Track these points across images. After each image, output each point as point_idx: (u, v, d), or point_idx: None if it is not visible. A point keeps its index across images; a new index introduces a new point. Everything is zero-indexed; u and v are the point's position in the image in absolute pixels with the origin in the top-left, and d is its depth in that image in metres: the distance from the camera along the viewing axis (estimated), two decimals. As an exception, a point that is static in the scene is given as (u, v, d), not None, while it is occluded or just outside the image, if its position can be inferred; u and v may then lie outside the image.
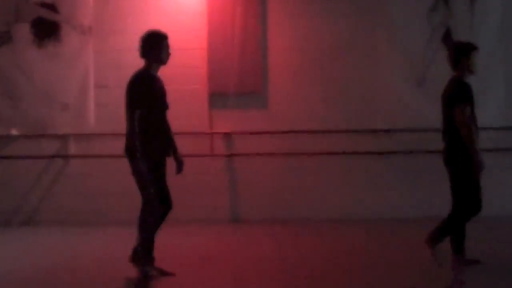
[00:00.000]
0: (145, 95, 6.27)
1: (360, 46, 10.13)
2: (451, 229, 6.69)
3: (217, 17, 9.93)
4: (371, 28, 10.13)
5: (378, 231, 9.12)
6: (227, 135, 10.01)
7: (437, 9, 10.22)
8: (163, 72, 9.41)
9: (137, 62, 9.60)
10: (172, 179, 9.75)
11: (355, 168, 10.08)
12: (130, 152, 6.24)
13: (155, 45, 6.43)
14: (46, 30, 9.98)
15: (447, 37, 10.21)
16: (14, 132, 10.00)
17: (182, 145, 9.63)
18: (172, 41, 9.87)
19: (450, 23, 10.25)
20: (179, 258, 7.23)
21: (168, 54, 6.51)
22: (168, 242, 7.25)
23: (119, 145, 9.78)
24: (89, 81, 9.97)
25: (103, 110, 9.91)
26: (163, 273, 6.32)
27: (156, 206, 6.24)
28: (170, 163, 6.59)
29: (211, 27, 9.97)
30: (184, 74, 9.88)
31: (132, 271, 6.30)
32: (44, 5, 9.95)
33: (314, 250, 7.73)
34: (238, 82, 9.95)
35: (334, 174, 10.04)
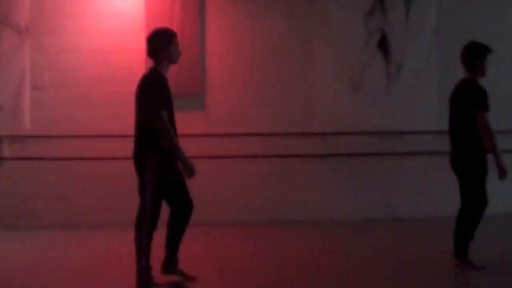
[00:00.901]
0: (164, 95, 6.07)
1: (297, 50, 10.23)
2: (471, 230, 6.65)
3: (155, 19, 9.86)
4: (308, 32, 10.24)
5: (313, 233, 9.23)
6: (164, 138, 9.96)
7: (373, 14, 10.38)
8: (101, 74, 9.36)
9: (74, 63, 9.55)
10: (96, 184, 9.76)
11: (291, 170, 10.17)
12: (143, 155, 6.03)
13: (166, 43, 6.18)
14: (-19, 30, 9.77)
15: (382, 42, 10.39)
16: None
17: (119, 147, 9.70)
18: (110, 44, 9.93)
19: (385, 28, 10.41)
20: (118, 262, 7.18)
21: (179, 53, 6.31)
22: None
23: (54, 147, 9.75)
24: (25, 82, 9.79)
25: (38, 111, 9.77)
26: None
27: (147, 218, 6.00)
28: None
29: (148, 29, 9.88)
30: (123, 76, 9.80)
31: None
32: (-21, 5, 9.74)
33: (240, 252, 7.87)
34: (177, 84, 9.84)
35: (270, 177, 10.10)
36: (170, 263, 6.23)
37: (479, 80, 6.81)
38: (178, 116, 9.76)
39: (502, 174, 6.54)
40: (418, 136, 10.52)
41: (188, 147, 9.81)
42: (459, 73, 10.52)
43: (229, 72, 10.17)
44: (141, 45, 9.84)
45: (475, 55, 6.83)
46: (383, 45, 10.37)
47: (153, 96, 6.00)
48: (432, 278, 6.43)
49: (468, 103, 6.67)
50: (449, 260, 6.83)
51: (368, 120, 10.22)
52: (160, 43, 6.16)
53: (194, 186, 9.71)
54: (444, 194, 10.49)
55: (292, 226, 9.66)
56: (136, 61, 9.86)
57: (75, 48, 9.86)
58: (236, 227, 9.50)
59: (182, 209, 6.19)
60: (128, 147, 9.56)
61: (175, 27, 9.79)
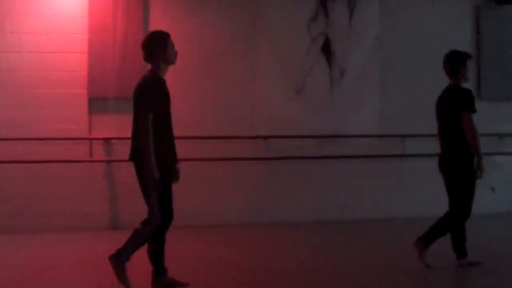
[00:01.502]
0: (159, 98, 5.98)
1: (241, 53, 10.24)
2: (444, 231, 6.90)
3: (98, 20, 9.76)
4: (252, 35, 10.27)
5: (253, 235, 9.26)
6: (107, 141, 9.86)
7: (317, 19, 10.47)
8: (43, 76, 9.22)
9: (15, 64, 9.38)
10: (48, 186, 9.60)
11: (234, 173, 10.17)
12: (139, 156, 5.89)
13: (161, 45, 6.09)
14: None
15: (326, 46, 10.48)
16: None
17: (61, 150, 9.57)
18: (51, 44, 9.77)
19: (329, 33, 10.51)
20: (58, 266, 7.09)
21: (175, 53, 6.22)
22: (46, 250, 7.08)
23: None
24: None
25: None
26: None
27: (157, 215, 5.92)
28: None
29: (91, 30, 9.78)
30: (64, 78, 9.67)
31: None
32: None
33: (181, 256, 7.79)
34: (119, 86, 9.79)
35: (213, 180, 10.08)
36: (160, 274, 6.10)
37: (462, 85, 7.11)
38: (121, 119, 9.83)
39: (480, 173, 6.87)
40: (361, 139, 10.66)
41: (128, 150, 9.84)
42: (400, 77, 10.88)
43: (174, 74, 10.02)
44: (84, 46, 9.78)
45: (457, 62, 7.16)
46: (326, 49, 10.47)
47: (143, 97, 5.92)
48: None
49: (455, 106, 6.94)
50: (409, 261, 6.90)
51: (311, 124, 10.30)
52: (156, 46, 6.08)
53: (135, 189, 9.73)
54: (385, 196, 10.71)
55: (234, 229, 9.65)
56: (77, 63, 9.74)
57: (15, 48, 9.66)
58: (178, 231, 9.42)
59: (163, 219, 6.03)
60: (64, 150, 9.57)
61: (118, 29, 9.78)
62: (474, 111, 6.89)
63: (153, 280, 6.07)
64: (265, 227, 9.79)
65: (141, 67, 9.83)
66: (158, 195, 5.94)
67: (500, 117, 11.46)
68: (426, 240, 6.89)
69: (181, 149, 9.74)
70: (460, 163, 6.92)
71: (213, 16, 10.19)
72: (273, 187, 10.31)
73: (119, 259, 5.86)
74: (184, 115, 9.94)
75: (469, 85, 11.09)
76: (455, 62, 7.17)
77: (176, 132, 9.73)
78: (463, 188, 6.91)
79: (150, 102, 5.89)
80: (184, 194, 9.81)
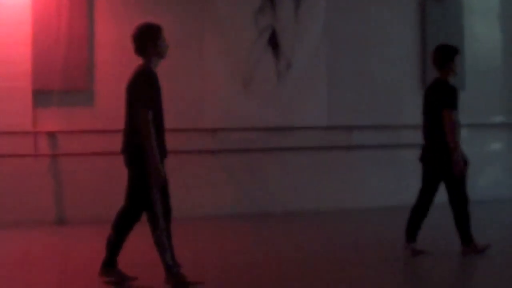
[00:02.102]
0: (156, 93, 5.93)
1: (188, 46, 10.16)
2: (467, 219, 7.11)
3: (42, 11, 9.58)
4: (199, 28, 10.21)
5: (205, 228, 9.24)
6: (51, 134, 9.70)
7: (263, 11, 10.47)
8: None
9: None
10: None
11: (182, 166, 10.10)
12: (135, 153, 5.86)
13: (154, 38, 6.01)
14: None
15: (272, 39, 10.49)
16: None
17: (4, 144, 9.39)
18: (-7, 36, 9.55)
19: (275, 25, 10.52)
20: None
21: (167, 47, 6.12)
22: None
23: None
24: None
25: None
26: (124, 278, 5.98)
27: (160, 210, 5.83)
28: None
29: (35, 21, 9.59)
30: (6, 70, 9.46)
31: None
32: None
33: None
34: (64, 78, 9.64)
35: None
36: (111, 264, 6.03)
37: (450, 79, 7.28)
38: (66, 112, 9.69)
39: (456, 170, 6.99)
40: (309, 131, 10.71)
41: (74, 144, 9.75)
42: (347, 70, 10.95)
43: (120, 67, 9.90)
44: (27, 38, 9.58)
45: (446, 56, 7.27)
46: (273, 42, 10.49)
47: (141, 92, 5.85)
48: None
49: (438, 102, 7.10)
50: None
51: (259, 116, 10.31)
52: (148, 39, 6.00)
53: (81, 184, 9.63)
54: (333, 188, 10.79)
55: (183, 222, 9.59)
56: (21, 55, 9.54)
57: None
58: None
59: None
60: (8, 144, 9.39)
61: (63, 20, 9.62)
62: (455, 108, 7.08)
63: (102, 268, 5.98)
64: (209, 220, 9.75)
65: (86, 59, 9.75)
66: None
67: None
68: (464, 239, 7.12)
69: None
70: (443, 158, 7.05)
71: (160, 9, 10.06)
72: (221, 180, 10.28)
73: (171, 272, 5.77)
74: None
75: (414, 77, 11.44)
76: (443, 56, 7.29)
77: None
78: (454, 179, 7.07)
79: (150, 97, 5.85)
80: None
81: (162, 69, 9.92)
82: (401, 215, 10.26)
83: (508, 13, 12.27)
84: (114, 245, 6.01)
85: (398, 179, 11.26)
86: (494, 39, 12.11)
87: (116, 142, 9.62)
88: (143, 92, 5.84)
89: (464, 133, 11.60)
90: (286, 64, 10.54)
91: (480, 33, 11.98)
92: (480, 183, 11.61)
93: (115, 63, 9.91)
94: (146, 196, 5.84)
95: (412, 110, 11.44)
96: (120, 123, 9.61)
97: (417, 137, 11.28)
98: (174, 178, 9.92)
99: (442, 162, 7.07)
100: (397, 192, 11.14)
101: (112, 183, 9.75)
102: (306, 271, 6.60)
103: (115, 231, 6.02)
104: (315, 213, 10.35)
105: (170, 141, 9.87)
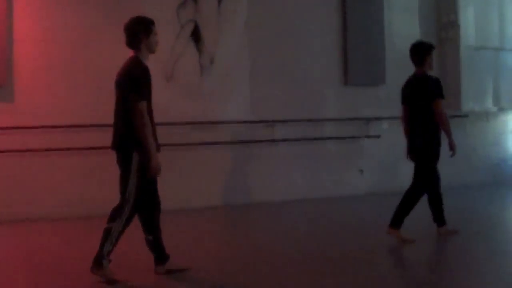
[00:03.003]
0: (146, 85, 5.84)
1: (109, 40, 10.00)
2: (411, 206, 7.43)
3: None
4: (120, 22, 10.01)
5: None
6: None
7: (186, 5, 10.44)
8: None
9: None
10: None
11: (106, 163, 9.95)
12: (127, 145, 5.84)
13: (146, 30, 5.96)
14: None
15: (195, 33, 10.48)
16: None
17: None
18: None
19: (198, 20, 10.51)
20: None
21: (157, 42, 6.05)
22: None
23: None
24: None
25: None
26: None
27: (132, 202, 5.84)
28: None
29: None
30: None
31: None
32: None
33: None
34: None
35: (86, 170, 9.84)
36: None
37: (428, 73, 7.63)
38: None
39: (453, 151, 7.47)
40: (232, 125, 10.75)
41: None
42: (270, 64, 11.03)
43: (41, 61, 9.76)
44: None
45: (423, 52, 7.62)
46: (196, 36, 10.47)
47: (134, 85, 5.79)
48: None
49: (427, 93, 7.44)
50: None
51: (182, 111, 10.28)
52: (141, 32, 5.96)
53: (7, 182, 9.41)
54: (257, 182, 10.87)
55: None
56: None
57: None
58: (48, 223, 9.21)
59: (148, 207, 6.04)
60: None
61: (-21, 14, 9.36)
62: (443, 97, 7.48)
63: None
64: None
65: (4, 54, 9.50)
66: (147, 183, 5.91)
67: (366, 102, 11.89)
68: (396, 224, 7.39)
69: (58, 139, 9.61)
70: (427, 148, 7.49)
71: (80, 5, 9.91)
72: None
73: (99, 263, 5.74)
74: (52, 104, 9.70)
75: (335, 71, 11.63)
76: (421, 52, 7.63)
77: (48, 121, 9.57)
78: (429, 164, 7.53)
79: (143, 89, 5.81)
80: (57, 185, 9.67)
81: (83, 66, 9.90)
82: (324, 206, 10.57)
83: (426, 9, 12.60)
84: (155, 244, 6.05)
85: (321, 171, 11.43)
86: (413, 34, 12.40)
87: (38, 139, 9.56)
88: (138, 84, 5.82)
89: (385, 126, 11.97)
90: (209, 58, 10.56)
91: (399, 28, 12.27)
92: (402, 173, 11.89)
93: (38, 58, 9.73)
94: (126, 184, 5.90)
95: (334, 104, 11.67)
96: (43, 119, 9.56)
97: (339, 130, 11.61)
98: (98, 174, 9.90)
99: (427, 153, 7.50)
100: (319, 184, 11.33)
101: (33, 181, 9.62)
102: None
103: (146, 232, 6.05)
104: (239, 206, 10.40)
105: (90, 138, 9.88)
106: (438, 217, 7.75)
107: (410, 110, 7.62)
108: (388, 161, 11.93)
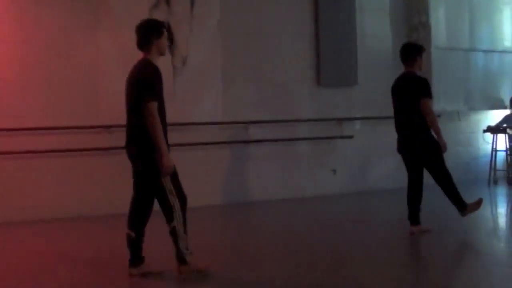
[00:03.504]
0: (158, 86, 5.86)
1: (82, 42, 9.98)
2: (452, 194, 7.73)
3: None
4: (93, 23, 10.03)
5: (96, 228, 9.12)
6: None
7: (159, 7, 10.40)
8: None
9: None
10: None
11: (77, 165, 9.92)
12: (141, 148, 5.83)
13: (158, 33, 6.00)
14: None
15: (168, 34, 10.41)
16: None
17: None
18: None
19: (171, 21, 10.47)
20: None
21: (166, 45, 6.15)
22: None
23: None
24: None
25: None
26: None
27: (176, 201, 5.92)
28: None
29: None
30: None
31: None
32: None
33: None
34: None
35: (56, 173, 9.76)
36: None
37: (417, 73, 7.81)
38: None
39: (444, 148, 7.69)
40: (205, 127, 10.73)
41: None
42: (243, 65, 11.03)
43: (9, 64, 9.67)
44: None
45: (414, 53, 7.82)
46: (168, 38, 10.40)
47: (148, 85, 5.79)
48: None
49: (415, 93, 7.60)
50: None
51: (155, 112, 10.22)
52: (153, 34, 6.00)
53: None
54: (230, 183, 10.87)
55: (79, 221, 9.45)
56: None
57: None
58: (31, 226, 9.11)
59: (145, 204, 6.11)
60: None
61: None
62: (431, 97, 7.70)
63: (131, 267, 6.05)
64: (103, 218, 9.61)
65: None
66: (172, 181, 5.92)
67: (339, 103, 11.94)
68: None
69: (30, 141, 9.51)
70: (425, 142, 7.67)
71: (52, 2, 9.82)
72: (115, 177, 10.06)
73: (185, 260, 5.90)
74: (26, 105, 9.59)
75: (308, 72, 11.67)
76: (412, 52, 7.82)
77: (23, 122, 9.47)
78: (435, 160, 7.71)
79: (155, 90, 5.81)
80: (32, 187, 9.57)
81: (57, 66, 9.80)
82: (297, 206, 10.61)
83: (397, 10, 12.69)
84: (136, 242, 6.05)
85: (294, 171, 11.46)
86: (384, 35, 12.52)
87: (12, 142, 9.43)
88: (150, 85, 5.82)
89: (357, 126, 12.04)
90: (181, 59, 10.53)
91: (371, 29, 12.36)
92: (373, 174, 11.99)
93: (7, 60, 9.62)
94: (157, 187, 5.90)
95: (307, 105, 11.70)
96: (14, 121, 9.43)
97: (312, 130, 11.65)
98: (71, 176, 9.82)
99: (423, 148, 7.68)
100: (293, 185, 11.36)
101: (10, 183, 9.50)
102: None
103: (132, 228, 6.05)
104: (211, 207, 10.38)
105: (63, 140, 9.81)
106: (414, 215, 7.82)
107: (400, 110, 7.82)
108: (361, 161, 12.00)
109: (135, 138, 5.92)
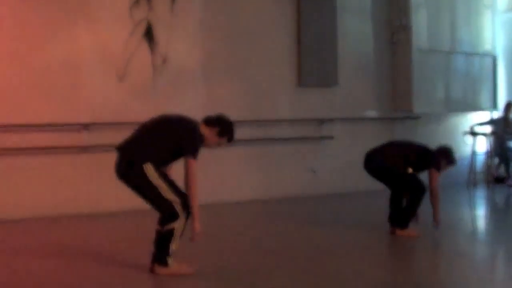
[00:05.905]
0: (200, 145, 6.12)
1: (61, 38, 9.86)
2: (414, 208, 7.85)
3: None
4: (72, 21, 9.92)
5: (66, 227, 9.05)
6: None
7: (139, 4, 10.33)
8: None
9: None
10: None
11: (56, 163, 9.82)
12: (134, 162, 5.99)
13: (225, 136, 6.29)
14: None
15: (148, 32, 10.38)
16: None
17: None
18: None
19: (151, 19, 10.40)
20: None
21: (214, 145, 6.34)
22: None
23: None
24: None
25: None
26: None
27: (183, 204, 5.93)
28: None
29: None
30: None
31: None
32: None
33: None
34: None
35: (33, 171, 9.64)
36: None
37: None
38: None
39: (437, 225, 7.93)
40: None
41: None
42: (224, 64, 10.99)
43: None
44: None
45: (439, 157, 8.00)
46: (149, 36, 10.37)
47: (195, 142, 5.97)
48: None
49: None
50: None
51: (134, 111, 10.14)
52: (223, 134, 6.21)
53: None
54: (210, 183, 10.79)
55: (61, 220, 9.36)
56: None
57: None
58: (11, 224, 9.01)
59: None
60: None
61: None
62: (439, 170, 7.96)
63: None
64: (83, 218, 9.55)
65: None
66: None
67: (319, 103, 11.94)
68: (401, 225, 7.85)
69: (5, 138, 9.40)
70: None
71: (33, 2, 9.70)
72: (93, 177, 9.99)
73: (164, 264, 5.93)
74: (3, 102, 9.48)
75: (289, 73, 11.64)
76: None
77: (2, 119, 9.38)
78: (402, 174, 7.95)
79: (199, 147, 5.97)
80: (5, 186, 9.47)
81: (35, 63, 9.69)
82: (277, 207, 10.58)
83: (379, 11, 12.72)
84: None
85: (274, 172, 11.44)
86: (365, 36, 12.53)
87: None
88: (196, 142, 5.95)
89: (338, 127, 12.04)
90: (162, 58, 10.46)
91: (352, 30, 12.37)
92: (353, 175, 11.98)
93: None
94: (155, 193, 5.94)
95: (287, 105, 11.68)
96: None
97: (293, 131, 11.62)
98: (49, 174, 9.71)
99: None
100: (272, 185, 11.35)
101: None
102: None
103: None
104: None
105: (42, 138, 9.70)
106: (396, 218, 7.87)
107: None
108: (342, 161, 12.00)
109: (128, 161, 6.04)
